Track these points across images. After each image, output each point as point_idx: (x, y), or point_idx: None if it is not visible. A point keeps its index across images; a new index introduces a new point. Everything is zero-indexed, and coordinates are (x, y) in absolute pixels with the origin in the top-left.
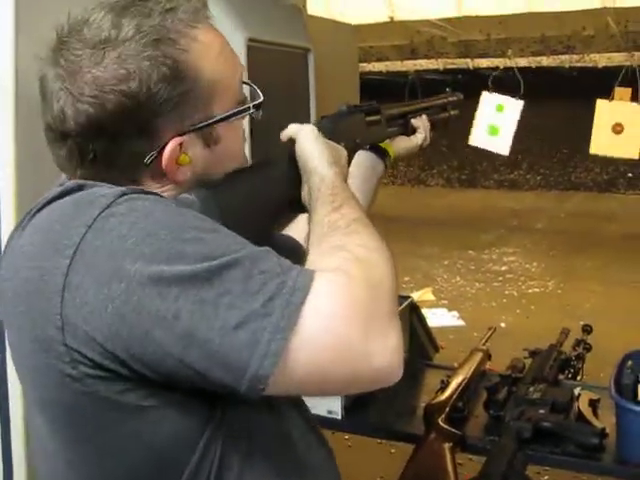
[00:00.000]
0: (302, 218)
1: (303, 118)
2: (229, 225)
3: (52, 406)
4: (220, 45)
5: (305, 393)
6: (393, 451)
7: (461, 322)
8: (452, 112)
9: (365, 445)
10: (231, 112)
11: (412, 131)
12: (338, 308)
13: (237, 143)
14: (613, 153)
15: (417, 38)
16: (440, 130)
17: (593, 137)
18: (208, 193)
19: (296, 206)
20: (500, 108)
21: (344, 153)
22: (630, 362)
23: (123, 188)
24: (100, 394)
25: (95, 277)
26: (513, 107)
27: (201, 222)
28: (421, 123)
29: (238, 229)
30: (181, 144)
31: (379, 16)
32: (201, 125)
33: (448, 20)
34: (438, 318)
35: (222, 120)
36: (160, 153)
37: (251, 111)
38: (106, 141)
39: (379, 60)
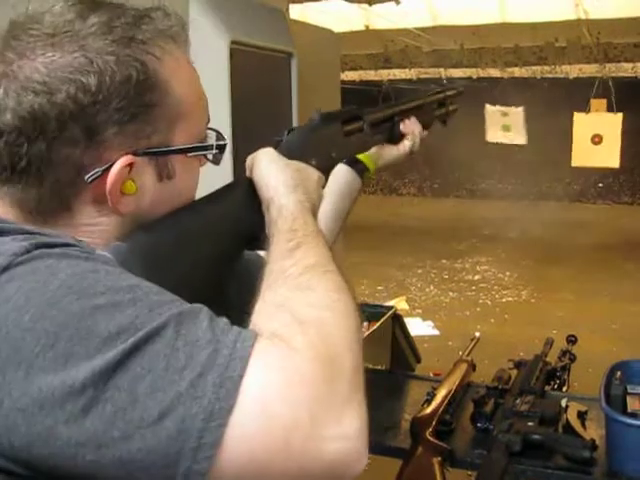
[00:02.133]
0: None
1: (285, 121)
2: (158, 278)
3: None
4: (193, 73)
5: None
6: (369, 462)
7: (435, 331)
8: (451, 107)
9: None
10: (192, 145)
11: (400, 137)
12: (278, 386)
13: (190, 186)
14: (594, 164)
15: (391, 47)
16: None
17: (573, 150)
18: (129, 242)
19: (258, 243)
20: (505, 114)
21: (314, 175)
22: (619, 373)
23: (24, 243)
24: None
25: None
26: (515, 113)
27: (118, 280)
28: (410, 128)
29: (172, 281)
30: (131, 166)
31: (355, 24)
32: (158, 150)
33: (422, 30)
34: (412, 327)
35: (182, 151)
36: (106, 172)
37: (214, 151)
38: (44, 144)
39: (353, 69)
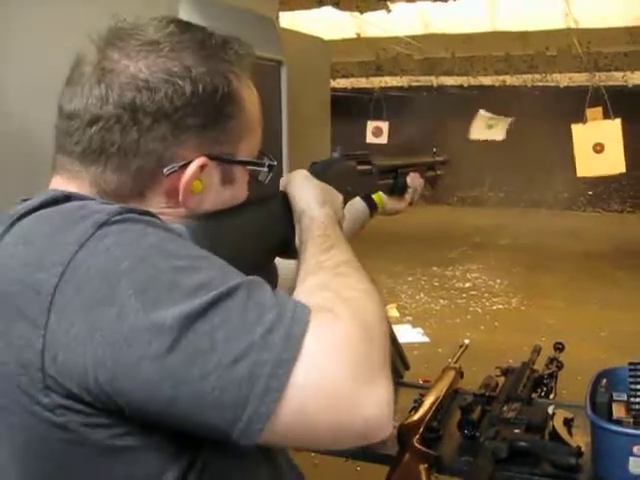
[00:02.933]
0: None
1: (274, 129)
2: (219, 256)
3: (17, 435)
4: (257, 98)
5: (289, 441)
6: (359, 469)
7: (425, 338)
8: (439, 172)
9: (331, 463)
10: (252, 160)
11: (403, 187)
12: (328, 347)
13: (243, 194)
14: (600, 172)
15: (383, 55)
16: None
17: (577, 161)
18: (199, 224)
19: (288, 248)
20: (490, 126)
21: (339, 196)
22: (604, 381)
23: (116, 206)
24: (71, 427)
25: (84, 300)
26: (503, 123)
27: (194, 250)
28: (414, 181)
29: (229, 262)
30: (203, 167)
31: (346, 32)
32: (228, 158)
33: (414, 37)
34: (402, 335)
35: (244, 163)
36: (182, 169)
37: (266, 168)
38: (137, 135)
39: (344, 76)
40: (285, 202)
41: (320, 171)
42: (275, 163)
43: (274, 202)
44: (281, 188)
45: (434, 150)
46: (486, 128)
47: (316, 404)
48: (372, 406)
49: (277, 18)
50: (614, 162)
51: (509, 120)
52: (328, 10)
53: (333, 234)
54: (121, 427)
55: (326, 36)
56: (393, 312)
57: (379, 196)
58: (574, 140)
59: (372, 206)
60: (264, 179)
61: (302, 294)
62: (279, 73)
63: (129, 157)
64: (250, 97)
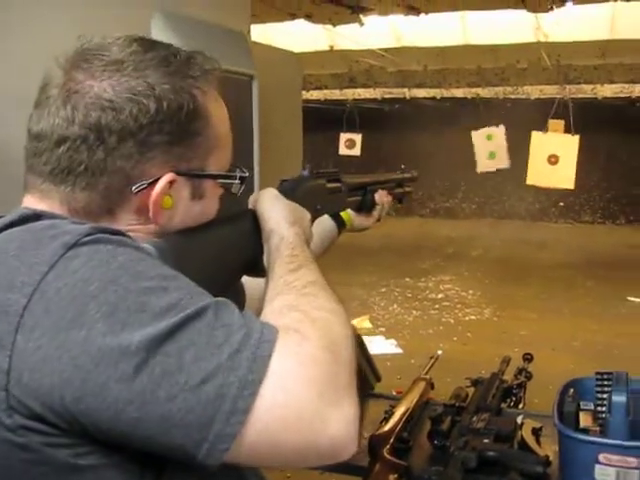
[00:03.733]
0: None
1: (246, 142)
2: (188, 276)
3: None
4: (226, 112)
5: (254, 461)
6: None
7: (399, 350)
8: (407, 189)
9: (304, 476)
10: (222, 173)
11: (371, 204)
12: (294, 367)
13: (214, 208)
14: (549, 184)
15: (356, 67)
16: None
17: (529, 168)
18: (167, 242)
19: (256, 267)
20: (490, 137)
21: (307, 215)
22: (572, 390)
23: (87, 226)
24: (32, 447)
25: (53, 321)
26: (498, 132)
27: (163, 270)
28: (382, 199)
29: (198, 281)
30: (172, 183)
31: (319, 45)
32: (196, 173)
33: (387, 50)
34: (375, 346)
35: (214, 177)
36: (151, 186)
37: (237, 181)
38: (103, 154)
39: (318, 88)
40: (254, 220)
41: (289, 189)
42: (247, 174)
43: (243, 220)
44: (250, 206)
45: (402, 167)
46: (488, 158)
47: (282, 425)
48: (338, 426)
49: (248, 32)
50: (565, 177)
51: (502, 128)
52: (301, 23)
53: (301, 254)
54: (85, 447)
55: (299, 48)
56: (366, 323)
57: (347, 214)
58: (531, 147)
59: (340, 223)
60: (237, 191)
61: (270, 314)
62: (250, 87)
63: (97, 176)
64: (217, 111)
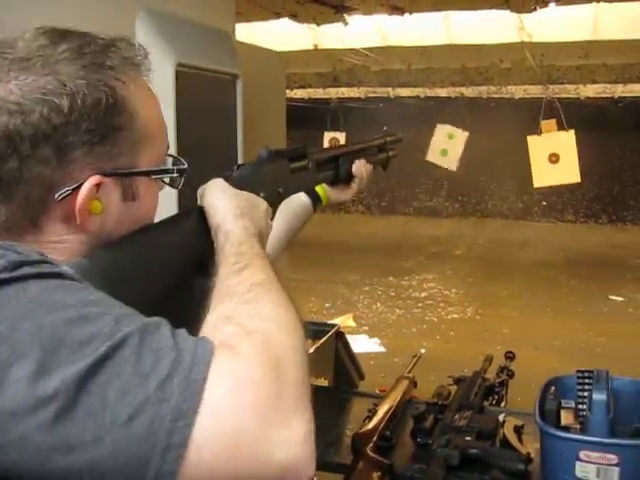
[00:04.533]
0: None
1: (230, 142)
2: (118, 293)
3: None
4: (156, 100)
5: None
6: (315, 479)
7: (382, 348)
8: (391, 153)
9: None
10: (156, 168)
11: (348, 175)
12: (229, 390)
13: (152, 207)
14: (555, 182)
15: (340, 66)
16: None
17: (533, 172)
18: (92, 259)
19: (206, 267)
20: (451, 136)
21: (261, 205)
22: (553, 388)
23: (1, 261)
24: None
25: None
26: (460, 136)
27: (84, 293)
28: (359, 170)
29: (130, 297)
30: (99, 185)
31: (303, 44)
32: (124, 171)
33: (370, 49)
34: (359, 344)
35: (146, 174)
36: (75, 191)
37: (175, 174)
38: (17, 162)
39: (302, 87)
40: (202, 217)
41: (246, 176)
42: (186, 166)
43: (188, 218)
44: (199, 200)
45: (384, 129)
46: (440, 154)
47: (223, 456)
48: (286, 450)
49: (233, 32)
50: (569, 172)
51: (466, 135)
52: (285, 22)
53: (248, 251)
54: None
55: (283, 47)
56: (349, 322)
57: (322, 189)
58: (530, 151)
59: (316, 199)
60: (177, 185)
61: (207, 327)
62: (235, 86)
63: (13, 187)
64: (144, 102)
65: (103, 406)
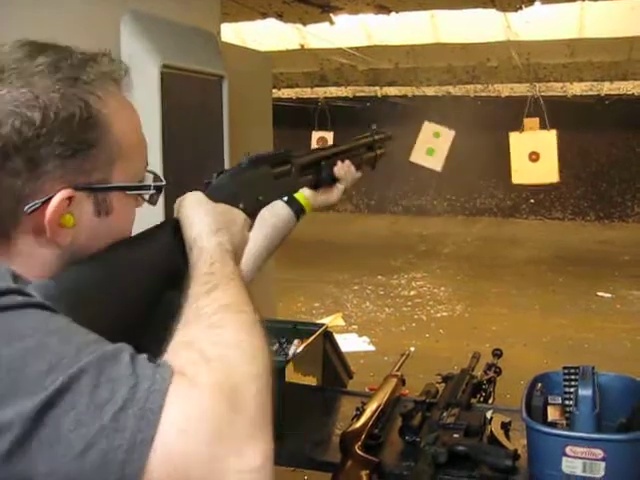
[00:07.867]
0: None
1: (216, 143)
2: (83, 315)
3: None
4: (134, 116)
5: None
6: (306, 478)
7: (371, 347)
8: (379, 151)
9: (277, 473)
10: (132, 184)
11: (331, 178)
12: (182, 420)
13: (127, 222)
14: (534, 181)
15: (327, 66)
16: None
17: (513, 169)
18: (55, 281)
19: (182, 282)
20: (437, 135)
21: (239, 218)
22: (539, 384)
23: None
24: None
25: None
26: (447, 135)
27: (44, 323)
28: (343, 171)
29: (98, 318)
30: (70, 199)
31: (290, 44)
32: (97, 186)
33: (357, 49)
34: (348, 343)
35: (120, 189)
36: (45, 204)
37: (151, 191)
38: None
39: (289, 86)
40: (177, 230)
41: (224, 185)
42: (163, 183)
43: (162, 233)
44: (175, 213)
45: (373, 127)
46: (426, 153)
47: None
48: (238, 477)
49: (219, 33)
50: (548, 171)
51: (453, 133)
52: (272, 22)
53: (220, 270)
54: None
55: (270, 47)
56: (339, 321)
57: (302, 196)
58: (511, 147)
59: (297, 210)
60: (154, 202)
61: (170, 350)
62: (220, 87)
63: None
64: (122, 116)
65: (57, 438)
